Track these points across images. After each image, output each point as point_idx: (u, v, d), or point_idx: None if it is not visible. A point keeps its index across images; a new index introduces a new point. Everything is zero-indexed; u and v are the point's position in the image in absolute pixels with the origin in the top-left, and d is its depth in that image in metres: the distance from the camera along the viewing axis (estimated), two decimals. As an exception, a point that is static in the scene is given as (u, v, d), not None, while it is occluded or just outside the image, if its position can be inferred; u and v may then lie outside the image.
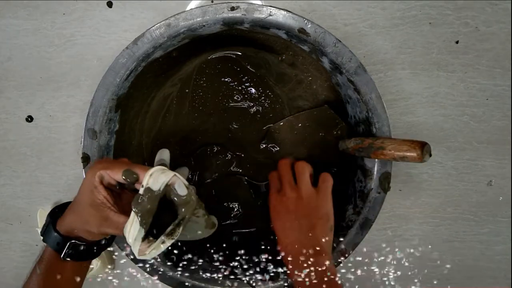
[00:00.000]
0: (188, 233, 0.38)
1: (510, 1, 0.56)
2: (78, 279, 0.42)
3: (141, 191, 0.36)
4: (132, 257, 0.49)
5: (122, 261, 0.61)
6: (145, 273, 0.50)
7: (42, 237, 0.41)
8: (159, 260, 0.50)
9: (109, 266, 0.60)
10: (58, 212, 0.42)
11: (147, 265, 0.49)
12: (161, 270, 0.49)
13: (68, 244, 0.39)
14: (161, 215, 0.37)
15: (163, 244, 0.35)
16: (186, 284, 0.50)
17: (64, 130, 0.59)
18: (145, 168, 0.38)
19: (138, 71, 0.49)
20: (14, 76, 0.58)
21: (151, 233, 0.36)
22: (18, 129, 0.59)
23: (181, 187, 0.36)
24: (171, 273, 0.50)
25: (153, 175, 0.36)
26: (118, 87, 0.48)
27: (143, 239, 0.35)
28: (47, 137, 0.59)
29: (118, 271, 0.61)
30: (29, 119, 0.59)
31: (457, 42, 0.57)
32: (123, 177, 0.37)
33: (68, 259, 0.40)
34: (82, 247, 0.40)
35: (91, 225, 0.38)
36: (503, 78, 0.57)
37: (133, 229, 0.35)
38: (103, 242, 0.43)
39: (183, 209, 0.36)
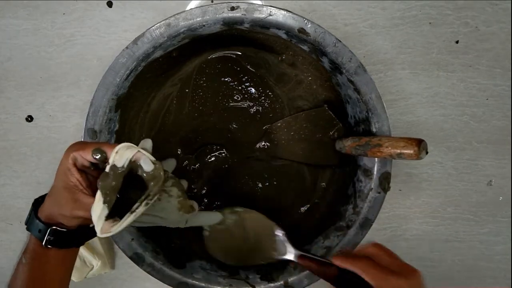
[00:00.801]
0: (159, 213, 0.37)
1: (510, 1, 0.56)
2: (63, 268, 0.42)
3: (107, 168, 0.35)
4: (130, 254, 0.49)
5: (122, 261, 0.60)
6: (145, 273, 0.49)
7: (25, 226, 0.41)
8: (159, 260, 0.50)
9: (109, 266, 0.60)
10: (41, 200, 0.42)
11: (147, 265, 0.49)
12: (161, 270, 0.49)
13: (48, 230, 0.39)
14: (131, 195, 0.36)
15: (127, 220, 0.34)
16: (186, 284, 0.50)
17: (64, 130, 0.59)
18: (113, 145, 0.37)
19: (138, 71, 0.49)
20: (14, 76, 0.58)
21: (118, 213, 0.35)
22: (18, 129, 0.59)
23: (147, 163, 0.35)
24: (171, 273, 0.49)
25: (119, 152, 0.36)
26: (118, 87, 0.48)
27: (107, 218, 0.34)
28: (47, 137, 0.59)
29: (118, 271, 0.61)
30: (29, 119, 0.59)
31: (457, 42, 0.57)
32: (93, 156, 0.37)
33: (50, 246, 0.39)
34: (63, 234, 0.40)
35: (65, 209, 0.38)
36: (503, 78, 0.57)
37: (97, 207, 0.34)
38: (86, 229, 0.42)
39: (150, 185, 0.35)
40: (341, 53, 0.46)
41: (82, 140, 0.48)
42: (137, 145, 0.37)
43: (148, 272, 0.49)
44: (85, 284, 0.59)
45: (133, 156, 0.35)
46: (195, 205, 0.41)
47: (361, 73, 0.47)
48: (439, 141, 0.59)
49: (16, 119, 0.59)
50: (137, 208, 0.33)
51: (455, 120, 0.58)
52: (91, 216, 0.36)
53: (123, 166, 0.35)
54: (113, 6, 0.56)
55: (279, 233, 0.49)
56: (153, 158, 0.36)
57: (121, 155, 0.35)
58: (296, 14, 0.46)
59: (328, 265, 0.41)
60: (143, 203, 0.34)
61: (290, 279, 0.49)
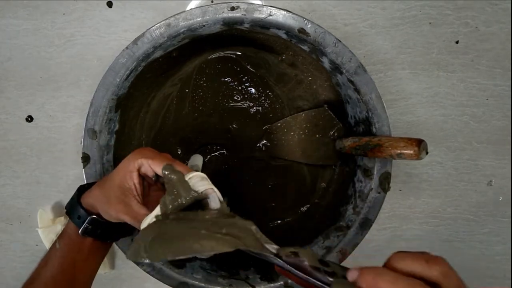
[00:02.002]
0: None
1: (510, 1, 0.56)
2: (94, 260, 0.42)
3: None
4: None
5: (122, 261, 0.60)
6: (145, 273, 0.49)
7: (65, 210, 0.41)
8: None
9: (109, 266, 0.60)
10: (86, 187, 0.42)
11: (147, 265, 0.49)
12: (161, 270, 0.49)
13: (88, 218, 0.39)
14: None
15: None
16: (186, 284, 0.50)
17: (64, 130, 0.59)
18: (187, 169, 0.37)
19: (138, 71, 0.49)
20: (14, 76, 0.58)
21: None
22: (18, 129, 0.59)
23: (215, 200, 0.35)
24: (171, 273, 0.49)
25: (192, 180, 0.35)
26: (118, 87, 0.48)
27: None
28: (47, 137, 0.59)
29: (118, 271, 0.61)
30: (29, 119, 0.59)
31: (457, 42, 0.57)
32: (163, 171, 0.36)
33: (86, 235, 0.39)
34: (101, 225, 0.40)
35: (111, 207, 0.38)
36: (503, 78, 0.57)
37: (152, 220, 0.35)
38: (124, 227, 0.41)
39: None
40: (341, 53, 0.46)
41: (83, 139, 0.48)
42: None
43: (148, 272, 0.49)
44: (85, 284, 0.59)
45: (205, 190, 0.35)
46: None
47: (361, 73, 0.47)
48: (439, 141, 0.59)
49: (16, 119, 0.59)
50: None
51: (455, 120, 0.58)
52: (137, 225, 0.36)
53: (197, 192, 0.35)
54: (113, 6, 0.56)
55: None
56: (221, 198, 0.36)
57: (193, 184, 0.35)
58: (296, 14, 0.46)
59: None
60: None
61: (290, 280, 0.49)
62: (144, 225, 0.35)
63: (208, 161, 0.57)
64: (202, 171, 0.38)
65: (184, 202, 0.35)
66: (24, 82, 0.58)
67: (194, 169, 0.46)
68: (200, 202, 0.36)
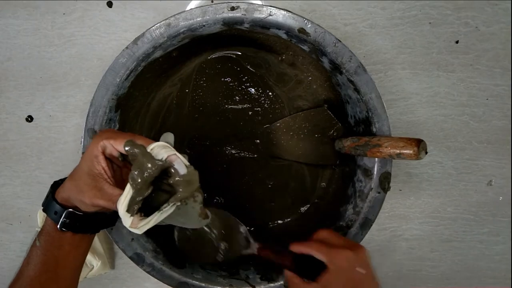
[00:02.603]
0: (182, 217, 0.37)
1: (510, 1, 0.56)
2: (76, 254, 0.41)
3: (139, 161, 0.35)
4: (130, 254, 0.49)
5: (122, 261, 0.60)
6: (145, 273, 0.49)
7: (42, 208, 0.41)
8: (159, 260, 0.50)
9: (109, 266, 0.60)
10: (60, 183, 0.42)
11: (147, 265, 0.49)
12: (161, 270, 0.49)
13: (64, 212, 0.39)
14: (155, 196, 0.36)
15: (154, 219, 0.34)
16: (186, 284, 0.50)
17: (64, 130, 0.59)
18: (148, 141, 0.37)
19: (138, 71, 0.49)
20: (14, 76, 0.58)
21: (143, 211, 0.35)
22: (18, 129, 0.59)
23: (181, 166, 0.35)
24: (171, 273, 0.49)
25: (154, 150, 0.35)
26: (118, 87, 0.48)
27: (136, 212, 0.34)
28: (47, 137, 0.59)
29: (118, 271, 0.61)
30: (29, 119, 0.59)
31: (457, 42, 0.57)
32: (125, 148, 0.36)
33: (65, 229, 0.39)
34: (79, 217, 0.39)
35: (85, 195, 0.37)
36: (503, 78, 0.57)
37: (125, 199, 0.34)
38: (102, 216, 0.42)
39: (180, 189, 0.35)
40: (341, 53, 0.46)
41: (83, 139, 0.48)
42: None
43: (148, 272, 0.49)
44: (85, 284, 0.59)
45: (167, 157, 0.35)
46: (209, 212, 0.41)
47: (361, 73, 0.47)
48: (439, 141, 0.59)
49: (16, 119, 0.59)
50: (165, 208, 0.34)
51: (455, 120, 0.58)
52: (113, 207, 0.36)
53: (161, 160, 0.35)
54: (113, 6, 0.56)
55: (242, 230, 0.49)
56: (187, 162, 0.36)
57: (155, 154, 0.35)
58: (296, 14, 0.46)
59: (286, 253, 0.44)
60: (171, 205, 0.34)
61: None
62: (120, 204, 0.35)
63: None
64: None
65: (151, 172, 0.35)
66: (24, 82, 0.58)
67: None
68: (167, 171, 0.36)
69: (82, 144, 0.48)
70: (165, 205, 0.34)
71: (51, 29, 0.57)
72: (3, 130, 0.59)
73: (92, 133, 0.48)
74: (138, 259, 0.49)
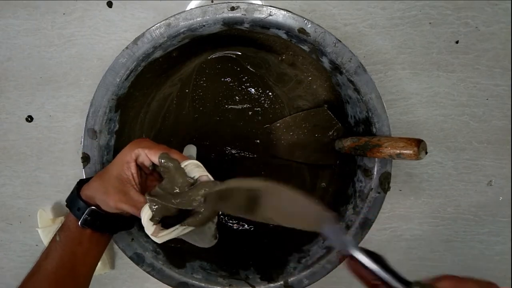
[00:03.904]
0: (197, 235, 0.38)
1: (510, 1, 0.56)
2: (94, 252, 0.42)
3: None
4: (130, 254, 0.49)
5: (122, 261, 0.60)
6: (145, 273, 0.49)
7: (66, 204, 0.42)
8: (159, 260, 0.50)
9: (109, 266, 0.60)
10: (85, 181, 0.43)
11: (147, 265, 0.49)
12: (161, 270, 0.49)
13: (87, 209, 0.39)
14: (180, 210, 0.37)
15: (174, 232, 0.36)
16: (186, 284, 0.50)
17: (64, 130, 0.59)
18: (183, 157, 0.38)
19: (138, 71, 0.49)
20: (14, 76, 0.58)
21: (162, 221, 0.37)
22: (18, 129, 0.59)
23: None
24: (171, 273, 0.49)
25: (187, 167, 0.37)
26: (118, 87, 0.48)
27: (158, 222, 0.36)
28: (47, 137, 0.59)
29: (118, 271, 0.61)
30: (29, 119, 0.59)
31: (457, 42, 0.57)
32: (160, 160, 0.38)
33: (86, 226, 0.40)
34: (100, 216, 0.40)
35: (110, 197, 0.38)
36: (503, 78, 0.57)
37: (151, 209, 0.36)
38: (122, 219, 0.42)
39: (204, 209, 0.36)
40: (341, 53, 0.46)
41: (82, 139, 0.48)
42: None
43: (148, 272, 0.49)
44: (85, 284, 0.59)
45: (199, 176, 0.37)
46: (217, 233, 0.41)
47: (361, 73, 0.47)
48: (439, 141, 0.59)
49: (16, 119, 0.59)
50: (187, 224, 0.35)
51: (455, 120, 0.58)
52: (137, 213, 0.37)
53: (192, 178, 0.37)
54: (113, 6, 0.56)
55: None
56: (219, 187, 0.37)
57: (188, 171, 0.37)
58: (296, 14, 0.46)
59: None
60: (194, 221, 0.36)
61: (290, 279, 0.49)
62: (144, 212, 0.36)
63: (207, 161, 0.57)
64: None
65: (181, 188, 0.36)
66: (24, 82, 0.58)
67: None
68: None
69: (82, 144, 0.48)
70: (188, 219, 0.35)
71: (51, 29, 0.57)
72: (3, 130, 0.59)
73: (92, 133, 0.48)
74: (138, 259, 0.49)
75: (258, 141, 0.57)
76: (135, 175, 0.39)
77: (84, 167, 0.48)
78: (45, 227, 0.58)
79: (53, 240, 0.40)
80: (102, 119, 0.48)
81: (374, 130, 0.48)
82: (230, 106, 0.57)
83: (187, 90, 0.56)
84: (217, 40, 0.51)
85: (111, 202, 0.38)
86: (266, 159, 0.58)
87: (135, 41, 0.46)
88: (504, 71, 0.57)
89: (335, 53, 0.46)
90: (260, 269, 0.52)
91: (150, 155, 0.38)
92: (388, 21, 0.56)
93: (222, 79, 0.56)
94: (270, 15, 0.46)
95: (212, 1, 0.55)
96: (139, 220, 0.37)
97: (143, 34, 0.46)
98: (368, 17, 0.56)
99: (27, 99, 0.58)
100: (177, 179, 0.37)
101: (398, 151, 0.41)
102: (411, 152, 0.40)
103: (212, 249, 0.54)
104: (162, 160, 0.37)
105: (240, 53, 0.56)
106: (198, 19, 0.46)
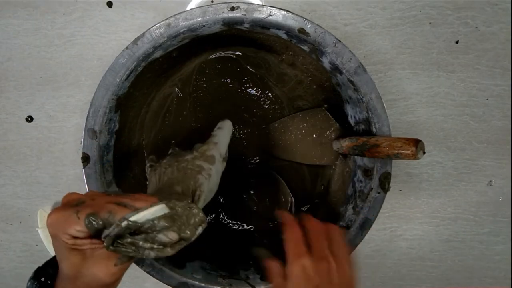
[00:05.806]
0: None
1: (510, 1, 0.56)
2: None
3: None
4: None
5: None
6: (145, 273, 0.49)
7: None
8: (159, 260, 0.50)
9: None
10: (43, 270, 0.34)
11: (147, 265, 0.49)
12: (161, 270, 0.49)
13: None
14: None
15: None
16: (186, 284, 0.50)
17: (64, 130, 0.59)
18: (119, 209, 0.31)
19: (138, 71, 0.49)
20: (14, 76, 0.58)
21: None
22: (18, 129, 0.59)
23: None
24: (171, 273, 0.49)
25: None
26: (118, 87, 0.48)
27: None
28: (47, 137, 0.59)
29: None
30: (29, 119, 0.59)
31: (457, 42, 0.57)
32: (87, 226, 0.30)
33: None
34: None
35: (104, 277, 0.32)
36: (503, 78, 0.57)
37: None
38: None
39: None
40: (341, 53, 0.46)
41: (82, 139, 0.48)
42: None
43: (148, 272, 0.49)
44: (85, 284, 0.59)
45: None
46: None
47: (361, 73, 0.47)
48: (439, 141, 0.59)
49: (16, 119, 0.59)
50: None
51: (455, 120, 0.58)
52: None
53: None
54: (113, 6, 0.56)
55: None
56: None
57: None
58: (296, 14, 0.46)
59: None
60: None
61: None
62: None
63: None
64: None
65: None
66: (24, 82, 0.58)
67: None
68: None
69: (82, 144, 0.48)
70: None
71: (51, 29, 0.57)
72: (3, 130, 0.59)
73: (92, 133, 0.48)
74: (138, 259, 0.49)
75: (257, 141, 0.57)
76: (89, 240, 0.31)
77: (84, 167, 0.48)
78: (45, 227, 0.58)
79: None
80: (102, 119, 0.48)
81: (374, 130, 0.48)
82: (230, 106, 0.57)
83: (187, 90, 0.56)
84: (217, 40, 0.51)
85: (107, 279, 0.33)
86: (266, 160, 0.58)
87: (135, 41, 0.46)
88: (504, 71, 0.57)
89: (335, 53, 0.46)
90: (260, 269, 0.51)
91: (72, 232, 0.30)
92: (388, 21, 0.56)
93: (222, 79, 0.56)
94: (270, 15, 0.46)
95: (212, 1, 0.55)
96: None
97: (143, 34, 0.46)
98: (368, 17, 0.56)
99: (27, 99, 0.58)
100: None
101: (396, 151, 0.41)
102: (409, 152, 0.40)
103: (212, 249, 0.54)
104: (89, 226, 0.30)
105: (240, 53, 0.56)
106: (198, 19, 0.46)
